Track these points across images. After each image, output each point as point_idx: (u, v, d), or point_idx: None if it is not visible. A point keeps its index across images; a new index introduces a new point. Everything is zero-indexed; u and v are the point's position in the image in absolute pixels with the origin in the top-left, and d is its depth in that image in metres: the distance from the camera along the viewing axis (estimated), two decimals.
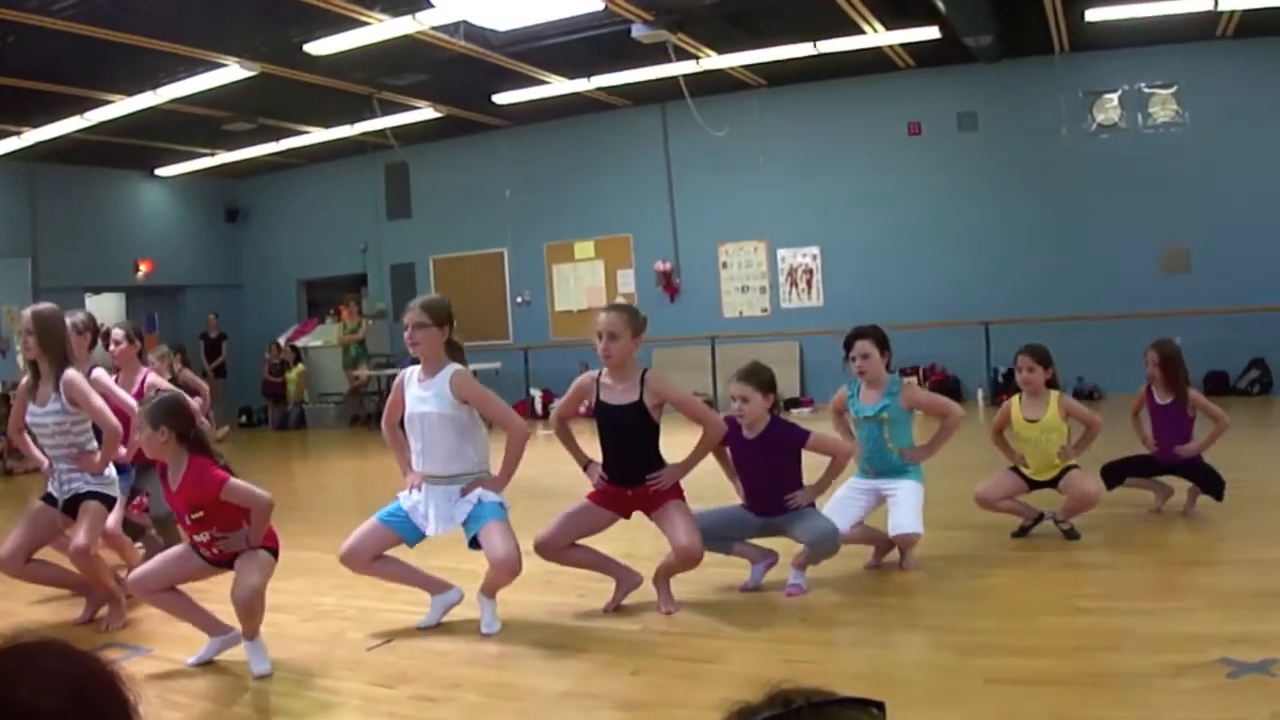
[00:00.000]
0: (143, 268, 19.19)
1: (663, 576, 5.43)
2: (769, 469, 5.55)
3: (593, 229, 17.71)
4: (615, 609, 5.42)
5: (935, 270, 15.05)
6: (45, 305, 5.67)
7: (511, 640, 5.06)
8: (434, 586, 5.42)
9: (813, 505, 5.58)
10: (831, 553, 5.49)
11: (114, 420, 5.53)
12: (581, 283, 17.94)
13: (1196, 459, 6.79)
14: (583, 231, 17.83)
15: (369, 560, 5.30)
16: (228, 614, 4.96)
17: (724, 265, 17.00)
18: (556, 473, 11.06)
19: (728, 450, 5.69)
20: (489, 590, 5.23)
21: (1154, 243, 14.14)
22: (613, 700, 4.23)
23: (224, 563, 4.83)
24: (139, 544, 6.81)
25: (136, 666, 4.81)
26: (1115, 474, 6.93)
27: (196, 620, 4.91)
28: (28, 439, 5.80)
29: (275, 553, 4.90)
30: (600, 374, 5.46)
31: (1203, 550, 6.18)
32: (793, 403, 14.88)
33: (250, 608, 4.67)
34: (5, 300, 16.77)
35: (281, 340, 19.21)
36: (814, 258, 16.39)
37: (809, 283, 16.48)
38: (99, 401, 5.53)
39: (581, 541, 5.49)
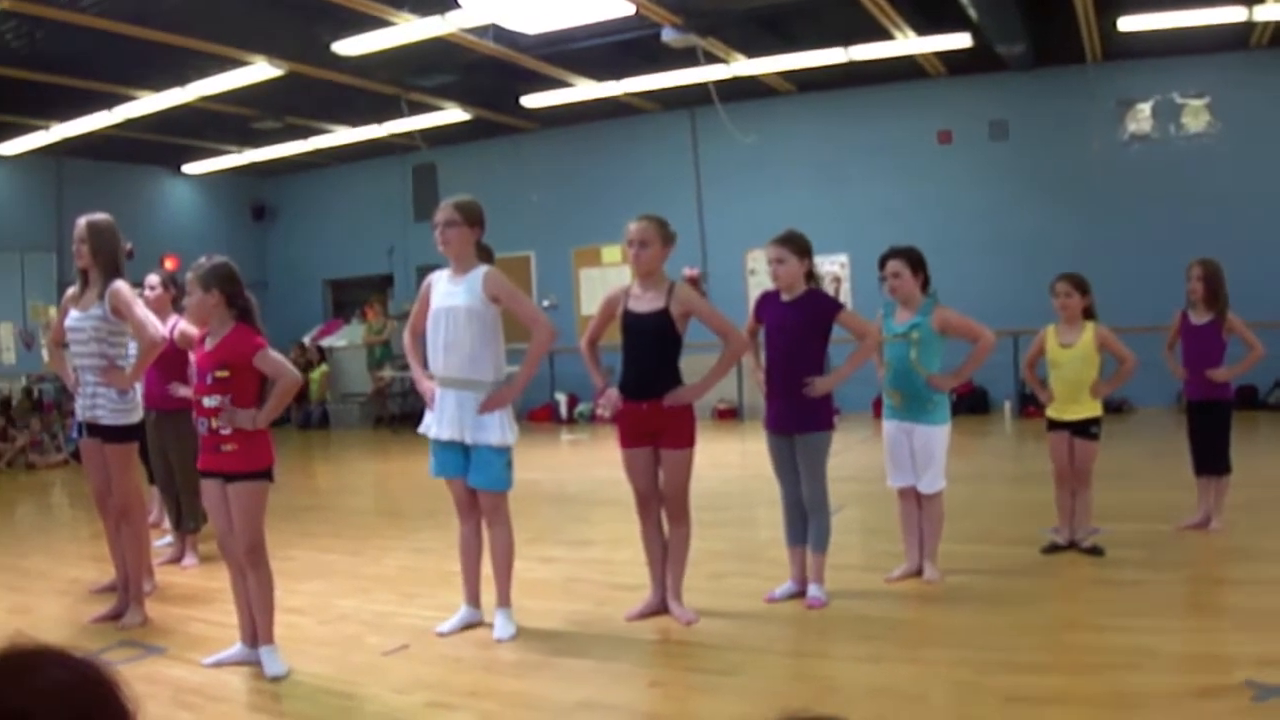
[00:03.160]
0: (168, 264, 19.26)
1: (673, 591, 5.40)
2: (798, 340, 5.61)
3: (620, 233, 17.46)
4: (638, 618, 5.40)
5: (963, 280, 14.80)
6: (100, 215, 5.80)
7: (529, 648, 5.04)
8: (474, 596, 5.41)
9: (830, 422, 5.66)
10: (825, 540, 5.55)
11: (152, 330, 5.59)
12: (608, 287, 17.90)
13: (1227, 397, 6.83)
14: (610, 236, 17.66)
15: (479, 520, 5.32)
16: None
17: (752, 272, 16.89)
18: (581, 479, 11.11)
19: (762, 331, 5.78)
20: (501, 589, 5.25)
21: (1185, 254, 13.95)
22: (630, 711, 4.19)
23: (225, 477, 4.69)
24: None
25: (151, 666, 4.81)
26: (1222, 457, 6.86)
27: (244, 616, 4.85)
28: (62, 355, 5.92)
29: (269, 473, 4.76)
30: (630, 286, 5.57)
31: (1230, 569, 6.09)
32: None
33: (254, 558, 4.68)
34: (32, 295, 16.88)
35: (306, 340, 19.25)
36: (842, 265, 16.30)
37: (836, 291, 16.34)
38: (142, 311, 5.64)
39: None
